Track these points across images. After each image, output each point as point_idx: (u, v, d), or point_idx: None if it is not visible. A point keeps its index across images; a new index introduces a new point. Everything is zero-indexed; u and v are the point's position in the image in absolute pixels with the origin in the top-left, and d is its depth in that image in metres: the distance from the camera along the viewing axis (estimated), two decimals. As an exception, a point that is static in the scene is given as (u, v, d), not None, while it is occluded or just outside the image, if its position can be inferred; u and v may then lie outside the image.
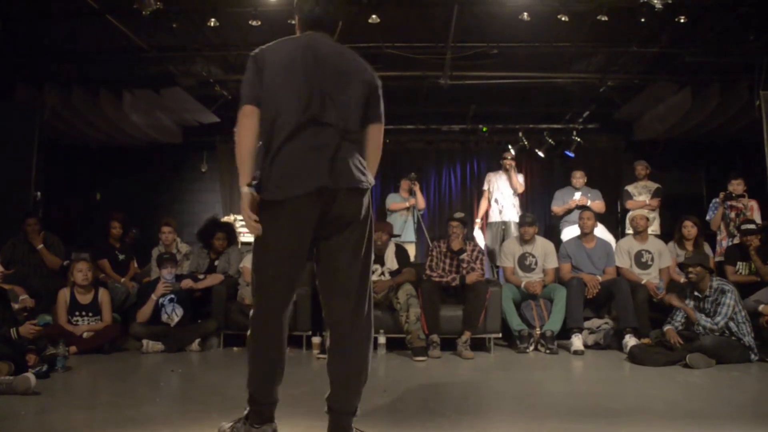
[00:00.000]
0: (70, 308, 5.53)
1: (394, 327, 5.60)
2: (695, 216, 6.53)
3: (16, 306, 5.15)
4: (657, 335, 5.34)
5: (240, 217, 6.15)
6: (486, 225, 7.99)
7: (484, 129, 9.56)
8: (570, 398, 3.95)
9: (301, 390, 3.70)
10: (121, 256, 6.79)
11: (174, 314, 5.79)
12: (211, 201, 9.70)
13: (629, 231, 6.79)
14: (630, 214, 6.90)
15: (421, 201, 7.73)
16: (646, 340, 5.38)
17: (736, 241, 6.35)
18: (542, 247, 6.33)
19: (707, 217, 6.91)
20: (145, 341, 5.60)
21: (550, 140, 9.28)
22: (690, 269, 5.24)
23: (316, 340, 5.59)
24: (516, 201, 7.80)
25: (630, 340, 5.44)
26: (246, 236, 7.62)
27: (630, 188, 7.63)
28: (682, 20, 5.91)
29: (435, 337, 5.48)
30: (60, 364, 4.54)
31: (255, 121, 2.57)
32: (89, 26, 6.30)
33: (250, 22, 5.99)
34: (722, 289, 5.11)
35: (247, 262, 5.96)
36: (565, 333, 5.76)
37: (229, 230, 6.59)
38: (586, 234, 6.35)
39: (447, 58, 6.90)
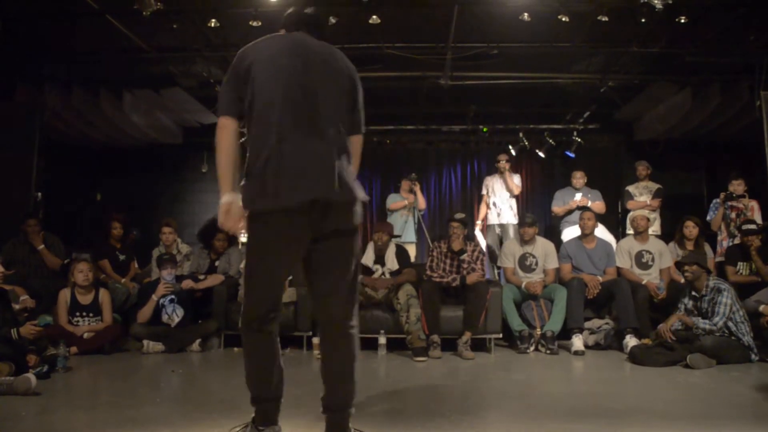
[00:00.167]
0: (70, 309, 5.54)
1: (395, 327, 5.60)
2: (696, 216, 6.53)
3: (16, 306, 5.15)
4: (657, 335, 5.34)
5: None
6: (486, 227, 8.01)
7: (485, 129, 9.56)
8: (570, 398, 3.95)
9: (302, 390, 3.70)
10: (122, 257, 6.79)
11: (174, 315, 5.80)
12: (211, 201, 9.67)
13: (630, 231, 6.80)
14: (631, 215, 6.90)
15: (421, 201, 7.73)
16: (646, 341, 5.38)
17: (737, 241, 6.35)
18: (543, 247, 6.33)
19: (708, 218, 6.91)
20: (145, 342, 5.60)
21: (550, 140, 9.28)
22: (686, 268, 5.25)
23: (316, 340, 5.58)
24: (513, 203, 7.82)
25: (630, 341, 5.44)
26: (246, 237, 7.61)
27: (631, 188, 7.63)
28: (682, 20, 5.91)
29: (435, 338, 5.48)
30: (61, 364, 4.55)
31: (233, 134, 2.56)
32: (90, 27, 6.29)
33: (250, 23, 5.98)
34: (718, 288, 5.11)
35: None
36: (566, 333, 5.76)
37: (230, 231, 6.58)
38: (586, 234, 6.35)
39: (447, 59, 6.90)
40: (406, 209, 7.64)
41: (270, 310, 2.62)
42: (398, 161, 9.51)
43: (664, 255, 6.24)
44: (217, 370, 5.08)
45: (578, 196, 7.54)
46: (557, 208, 7.72)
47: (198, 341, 5.72)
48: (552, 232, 8.06)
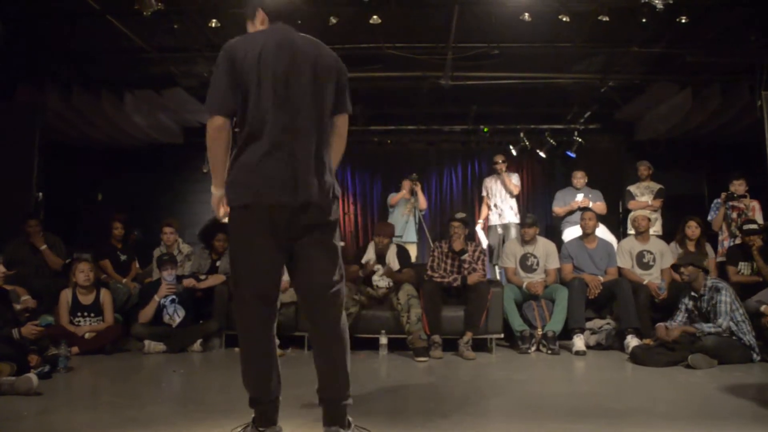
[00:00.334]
0: (71, 309, 5.54)
1: (396, 327, 5.60)
2: (697, 216, 6.53)
3: (17, 307, 5.15)
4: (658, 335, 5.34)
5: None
6: (487, 228, 8.03)
7: (486, 129, 9.56)
8: (572, 399, 3.95)
9: (303, 390, 3.69)
10: (123, 257, 6.80)
11: (176, 315, 5.80)
12: (211, 201, 9.69)
13: (631, 231, 6.79)
14: (632, 215, 6.90)
15: (422, 201, 7.73)
16: (647, 341, 5.38)
17: (738, 241, 6.35)
18: (544, 247, 6.33)
19: (709, 218, 6.91)
20: (146, 342, 5.60)
21: (551, 140, 9.28)
22: (682, 269, 5.24)
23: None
24: (513, 203, 7.85)
25: (632, 341, 5.44)
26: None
27: (632, 188, 7.63)
28: (683, 20, 5.90)
29: (436, 338, 5.48)
30: (62, 364, 4.55)
31: (228, 134, 2.58)
32: (90, 27, 6.29)
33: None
34: (716, 287, 5.10)
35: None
36: (567, 333, 5.75)
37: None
38: (587, 234, 6.35)
39: (448, 59, 6.90)
40: (406, 209, 7.63)
41: (265, 305, 2.64)
42: (399, 161, 9.51)
43: (666, 255, 6.24)
44: (219, 371, 5.08)
45: (579, 197, 7.53)
46: (558, 208, 7.72)
47: (199, 341, 5.72)
48: (553, 233, 8.06)
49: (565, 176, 8.87)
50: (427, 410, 3.57)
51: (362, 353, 5.58)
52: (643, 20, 5.81)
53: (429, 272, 5.92)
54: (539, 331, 5.77)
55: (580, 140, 9.13)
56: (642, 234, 6.36)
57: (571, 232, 7.30)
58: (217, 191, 2.68)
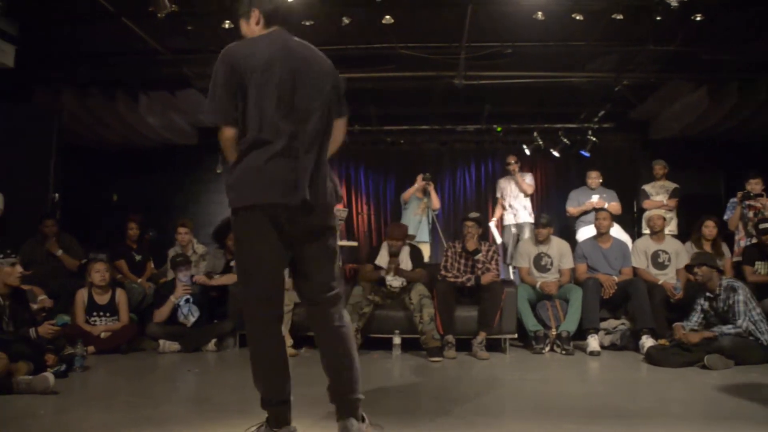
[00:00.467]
0: (87, 308, 5.60)
1: (409, 327, 5.60)
2: (713, 216, 6.47)
3: (34, 306, 5.21)
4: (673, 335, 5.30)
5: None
6: (501, 227, 8.03)
7: (499, 129, 9.53)
8: (586, 399, 3.93)
9: (316, 390, 3.69)
10: (138, 257, 6.84)
11: (190, 315, 5.83)
12: (226, 202, 9.70)
13: (646, 231, 6.74)
14: (646, 214, 6.84)
15: (435, 201, 7.72)
16: (663, 341, 5.34)
17: (754, 241, 6.28)
18: (558, 247, 6.30)
19: (725, 217, 6.84)
20: (161, 341, 5.64)
21: (565, 140, 9.23)
22: (695, 269, 5.19)
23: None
24: (527, 203, 7.85)
25: (647, 341, 5.40)
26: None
27: (647, 188, 7.57)
28: (698, 18, 5.85)
29: (450, 338, 5.47)
30: (78, 363, 4.59)
31: (234, 139, 2.62)
32: (105, 29, 6.35)
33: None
34: (732, 286, 5.05)
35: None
36: (581, 334, 5.72)
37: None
38: (602, 234, 6.32)
39: (461, 59, 6.89)
40: (419, 208, 7.63)
41: (271, 306, 2.66)
42: (412, 161, 9.51)
43: (681, 255, 6.18)
44: (233, 370, 5.10)
45: (595, 198, 7.47)
46: (572, 208, 7.68)
47: (213, 341, 5.75)
48: (567, 232, 8.02)
49: (579, 176, 8.82)
50: (441, 410, 3.56)
51: (376, 353, 5.59)
52: (658, 18, 5.76)
53: (442, 272, 5.91)
54: (553, 332, 5.75)
55: (594, 139, 9.08)
56: (657, 234, 6.31)
57: (585, 232, 7.26)
58: None
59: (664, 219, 6.49)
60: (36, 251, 6.25)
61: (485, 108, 8.97)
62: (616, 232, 6.86)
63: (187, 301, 5.85)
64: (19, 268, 4.61)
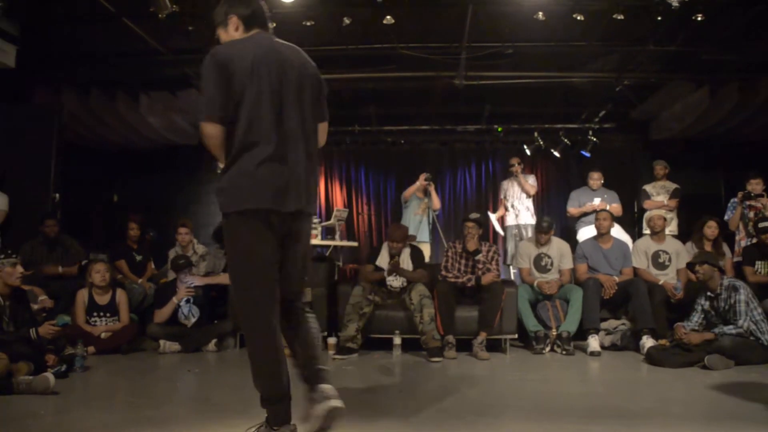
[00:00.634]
0: (88, 309, 5.60)
1: (410, 328, 5.60)
2: (714, 216, 6.47)
3: (35, 307, 5.21)
4: (674, 336, 5.29)
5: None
6: (504, 228, 8.05)
7: (499, 129, 9.53)
8: (587, 399, 3.93)
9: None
10: (139, 257, 6.85)
11: (191, 315, 5.84)
12: (226, 202, 9.71)
13: (646, 231, 6.74)
14: (647, 215, 6.84)
15: (436, 201, 7.72)
16: (663, 341, 5.33)
17: (754, 241, 6.27)
18: (558, 247, 6.30)
19: (725, 217, 6.83)
20: (162, 341, 5.65)
21: (565, 140, 9.23)
22: (697, 268, 5.19)
23: (331, 340, 5.61)
24: (530, 204, 7.87)
25: (647, 341, 5.39)
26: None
27: (648, 188, 7.57)
28: (699, 18, 5.84)
29: (450, 338, 5.47)
30: (78, 364, 4.60)
31: (222, 139, 2.62)
32: (106, 29, 6.35)
33: (264, 24, 6.00)
34: (734, 286, 5.04)
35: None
36: (582, 334, 5.72)
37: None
38: (602, 234, 6.31)
39: (462, 59, 6.88)
40: (420, 209, 7.62)
41: (273, 302, 2.70)
42: (412, 162, 9.50)
43: (681, 255, 6.18)
44: (233, 370, 5.10)
45: (597, 201, 7.45)
46: (573, 209, 7.66)
47: (214, 341, 5.76)
48: (568, 232, 8.02)
49: (579, 176, 8.82)
50: (441, 411, 3.56)
51: (376, 353, 5.59)
52: (659, 18, 5.76)
53: (443, 272, 5.91)
54: (554, 332, 5.74)
55: (594, 139, 9.08)
56: (657, 234, 6.31)
57: (585, 232, 7.26)
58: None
59: (665, 219, 6.49)
60: (36, 251, 6.25)
61: (486, 108, 8.97)
62: (617, 232, 6.86)
63: (187, 301, 5.85)
64: (20, 269, 4.61)
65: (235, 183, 2.62)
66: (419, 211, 7.63)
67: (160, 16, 5.58)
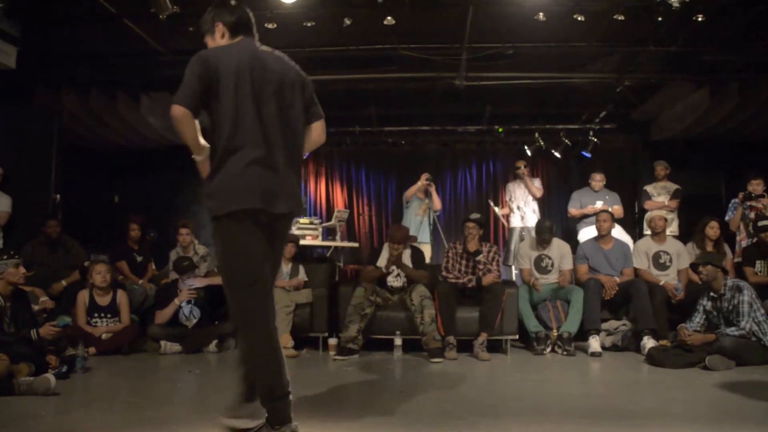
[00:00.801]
0: (89, 310, 5.60)
1: (410, 328, 5.59)
2: (715, 216, 6.46)
3: (36, 307, 5.21)
4: (675, 336, 5.29)
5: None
6: (508, 229, 8.07)
7: (500, 130, 9.52)
8: (587, 400, 3.93)
9: (317, 391, 3.70)
10: (139, 258, 6.84)
11: (192, 316, 5.84)
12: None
13: (647, 232, 6.73)
14: (648, 215, 6.84)
15: (436, 202, 7.73)
16: (664, 342, 5.33)
17: (755, 241, 6.27)
18: (558, 248, 6.30)
19: (726, 218, 6.83)
20: (163, 342, 5.65)
21: (566, 141, 9.23)
22: (700, 269, 5.18)
23: (332, 341, 5.60)
24: (536, 206, 7.96)
25: (648, 342, 5.40)
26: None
27: (649, 188, 7.57)
28: (699, 19, 5.84)
29: (451, 339, 5.47)
30: (79, 364, 4.60)
31: (192, 122, 2.67)
32: (106, 30, 6.35)
33: (265, 25, 6.00)
34: (738, 286, 5.04)
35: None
36: (583, 335, 5.72)
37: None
38: (603, 235, 6.31)
39: (462, 59, 6.88)
40: (421, 209, 7.63)
41: (270, 299, 2.76)
42: (413, 162, 9.50)
43: (682, 256, 6.18)
44: (234, 371, 5.09)
45: (599, 204, 7.43)
46: (574, 210, 7.66)
47: (215, 342, 5.76)
48: (569, 234, 8.03)
49: (580, 176, 8.81)
50: (442, 411, 3.56)
51: (377, 354, 5.59)
52: (659, 19, 5.76)
53: (444, 273, 5.91)
54: (554, 333, 5.74)
55: (595, 140, 9.08)
56: (658, 234, 6.31)
57: (586, 233, 7.26)
58: (200, 156, 2.80)
59: (666, 220, 6.48)
60: (37, 252, 6.24)
61: (486, 109, 8.96)
62: (618, 233, 6.86)
63: (188, 302, 5.85)
64: (22, 269, 4.61)
65: (224, 186, 2.67)
66: (420, 212, 7.64)
67: (160, 16, 5.58)
